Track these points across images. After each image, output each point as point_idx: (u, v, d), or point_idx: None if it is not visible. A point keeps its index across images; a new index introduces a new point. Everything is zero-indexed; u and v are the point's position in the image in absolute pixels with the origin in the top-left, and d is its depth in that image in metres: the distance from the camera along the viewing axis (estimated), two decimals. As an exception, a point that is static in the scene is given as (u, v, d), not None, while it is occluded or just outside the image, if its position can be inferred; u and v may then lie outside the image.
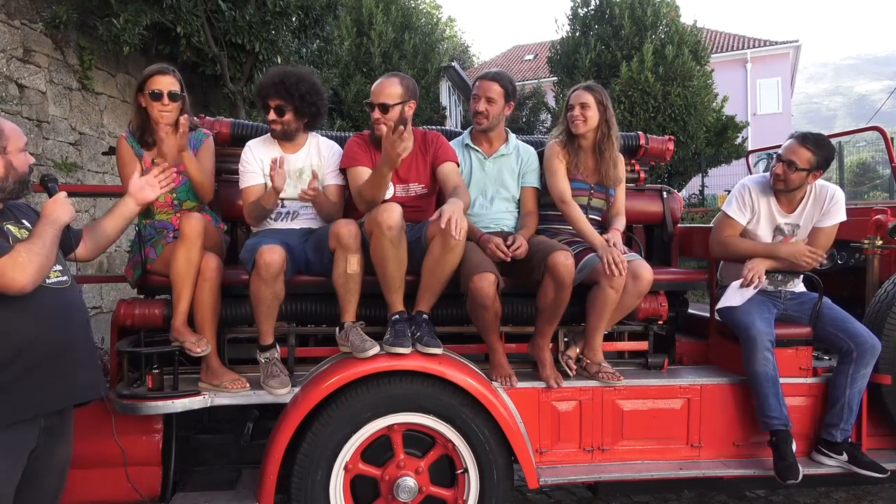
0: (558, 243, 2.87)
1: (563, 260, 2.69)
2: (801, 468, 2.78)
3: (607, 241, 2.91)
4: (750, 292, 3.01)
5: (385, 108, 2.90)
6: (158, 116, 2.86)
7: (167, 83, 2.86)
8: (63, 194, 2.17)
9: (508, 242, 2.83)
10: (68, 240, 2.29)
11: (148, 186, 2.54)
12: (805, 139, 3.00)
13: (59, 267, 2.13)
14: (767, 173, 3.19)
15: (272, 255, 2.59)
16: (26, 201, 2.32)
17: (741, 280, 3.00)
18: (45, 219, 2.08)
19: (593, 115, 3.11)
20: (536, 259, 2.77)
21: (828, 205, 3.09)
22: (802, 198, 3.13)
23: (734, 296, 3.03)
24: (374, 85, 2.99)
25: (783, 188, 3.06)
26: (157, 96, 2.85)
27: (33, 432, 2.01)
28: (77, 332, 2.10)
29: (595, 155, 3.20)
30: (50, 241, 2.02)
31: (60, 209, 2.12)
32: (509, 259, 2.79)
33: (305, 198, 2.82)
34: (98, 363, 2.26)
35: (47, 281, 2.04)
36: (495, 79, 3.14)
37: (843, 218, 3.12)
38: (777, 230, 3.16)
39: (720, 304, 3.07)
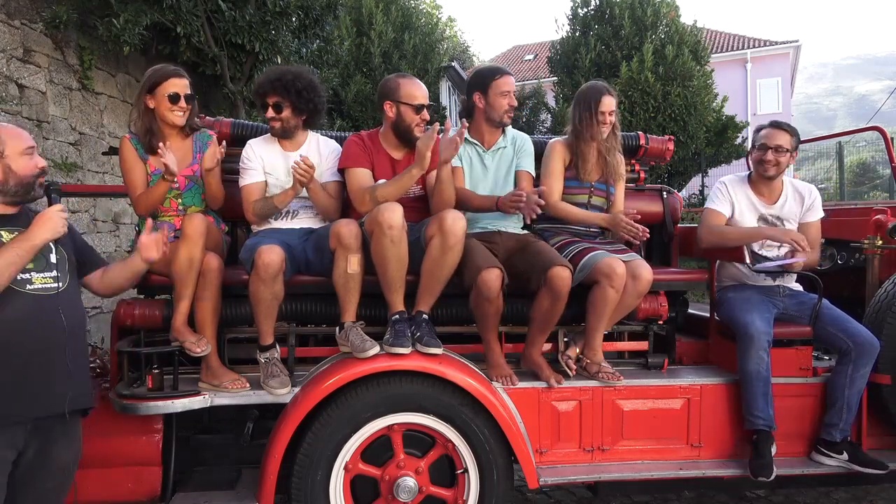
0: (558, 255, 2.88)
1: (561, 273, 2.72)
2: (775, 468, 2.80)
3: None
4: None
5: (429, 109, 2.97)
6: (173, 119, 2.86)
7: (183, 86, 2.87)
8: (58, 208, 2.12)
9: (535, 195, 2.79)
10: (91, 260, 2.38)
11: (154, 246, 2.38)
12: (780, 124, 3.23)
13: (51, 273, 2.12)
14: (744, 173, 3.38)
15: (271, 256, 2.59)
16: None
17: (785, 253, 3.12)
18: (26, 232, 2.05)
19: (614, 118, 3.18)
20: (536, 269, 2.78)
21: (808, 200, 3.23)
22: (781, 190, 3.24)
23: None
24: (415, 86, 2.96)
25: (775, 173, 3.18)
26: (175, 99, 2.84)
27: (13, 436, 1.99)
28: (60, 340, 2.07)
29: (598, 152, 3.21)
30: (11, 259, 1.98)
31: (44, 225, 2.08)
32: (523, 202, 2.77)
33: (299, 176, 2.75)
34: (87, 373, 2.24)
35: (28, 287, 2.04)
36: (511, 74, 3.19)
37: (822, 214, 3.26)
38: (761, 220, 3.23)
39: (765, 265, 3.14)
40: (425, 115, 2.96)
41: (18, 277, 2.03)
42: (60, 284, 2.14)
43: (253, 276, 2.63)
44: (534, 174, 3.23)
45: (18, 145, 2.08)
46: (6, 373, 1.97)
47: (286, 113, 2.95)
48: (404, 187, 2.80)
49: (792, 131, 3.20)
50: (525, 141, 3.25)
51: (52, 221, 2.08)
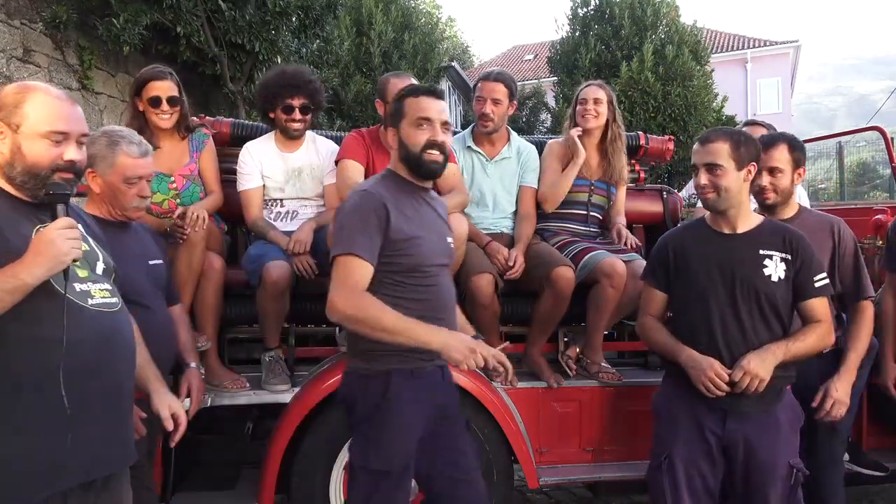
0: (561, 256, 2.88)
1: (565, 274, 2.72)
2: None
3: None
4: None
5: None
6: (157, 122, 2.82)
7: (166, 88, 2.81)
8: (61, 224, 1.51)
9: (510, 263, 2.85)
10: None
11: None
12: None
13: (105, 285, 1.66)
14: None
15: (279, 273, 2.59)
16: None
17: None
18: (14, 263, 1.44)
19: (604, 111, 3.13)
20: (539, 271, 2.78)
21: (803, 198, 3.31)
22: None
23: None
24: (392, 84, 2.92)
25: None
26: (156, 102, 2.81)
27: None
28: (124, 373, 1.65)
29: (599, 152, 3.20)
30: None
31: (40, 253, 1.45)
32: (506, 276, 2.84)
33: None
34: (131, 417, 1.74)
35: (89, 301, 1.57)
36: (499, 79, 3.10)
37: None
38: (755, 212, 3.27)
39: None
40: None
41: (77, 289, 1.55)
42: (118, 300, 1.69)
43: (261, 292, 2.63)
44: (537, 188, 3.20)
45: (42, 124, 1.54)
46: (65, 413, 1.45)
47: (310, 115, 2.96)
48: None
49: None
50: (531, 154, 3.21)
51: (52, 247, 1.46)
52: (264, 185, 2.99)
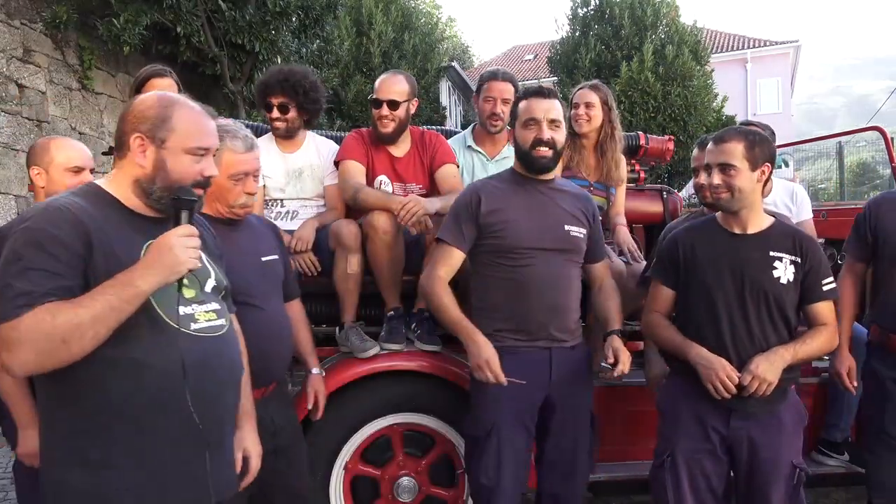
0: None
1: None
2: None
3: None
4: None
5: (394, 105, 2.87)
6: None
7: (165, 86, 2.81)
8: (181, 232, 1.43)
9: None
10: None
11: None
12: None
13: (213, 305, 1.58)
14: None
15: None
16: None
17: None
18: (131, 270, 1.37)
19: (597, 114, 3.11)
20: None
21: (800, 197, 3.28)
22: (770, 188, 3.14)
23: None
24: (378, 81, 2.94)
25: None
26: None
27: None
28: (229, 401, 1.59)
29: (597, 154, 3.19)
30: (100, 313, 1.30)
31: (158, 260, 1.38)
32: None
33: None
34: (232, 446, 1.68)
35: (192, 327, 1.48)
36: (506, 79, 3.08)
37: (811, 215, 3.29)
38: None
39: None
40: (382, 110, 2.85)
41: (181, 312, 1.46)
42: (224, 321, 1.59)
43: None
44: None
45: (188, 141, 1.50)
46: (167, 444, 1.44)
47: (292, 114, 2.93)
48: (383, 206, 2.67)
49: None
50: None
51: (170, 254, 1.38)
52: (265, 186, 2.98)
